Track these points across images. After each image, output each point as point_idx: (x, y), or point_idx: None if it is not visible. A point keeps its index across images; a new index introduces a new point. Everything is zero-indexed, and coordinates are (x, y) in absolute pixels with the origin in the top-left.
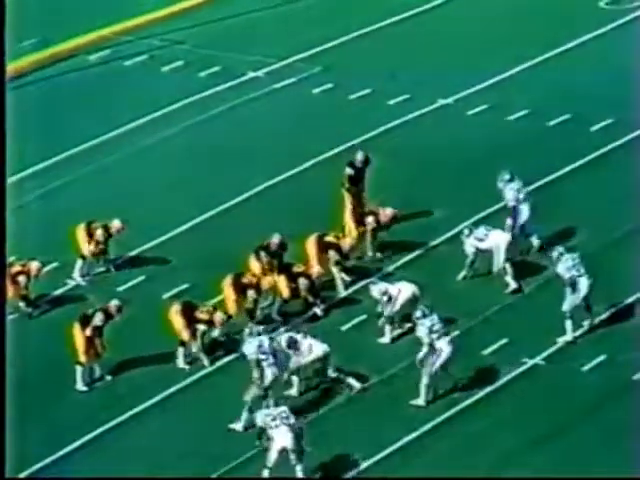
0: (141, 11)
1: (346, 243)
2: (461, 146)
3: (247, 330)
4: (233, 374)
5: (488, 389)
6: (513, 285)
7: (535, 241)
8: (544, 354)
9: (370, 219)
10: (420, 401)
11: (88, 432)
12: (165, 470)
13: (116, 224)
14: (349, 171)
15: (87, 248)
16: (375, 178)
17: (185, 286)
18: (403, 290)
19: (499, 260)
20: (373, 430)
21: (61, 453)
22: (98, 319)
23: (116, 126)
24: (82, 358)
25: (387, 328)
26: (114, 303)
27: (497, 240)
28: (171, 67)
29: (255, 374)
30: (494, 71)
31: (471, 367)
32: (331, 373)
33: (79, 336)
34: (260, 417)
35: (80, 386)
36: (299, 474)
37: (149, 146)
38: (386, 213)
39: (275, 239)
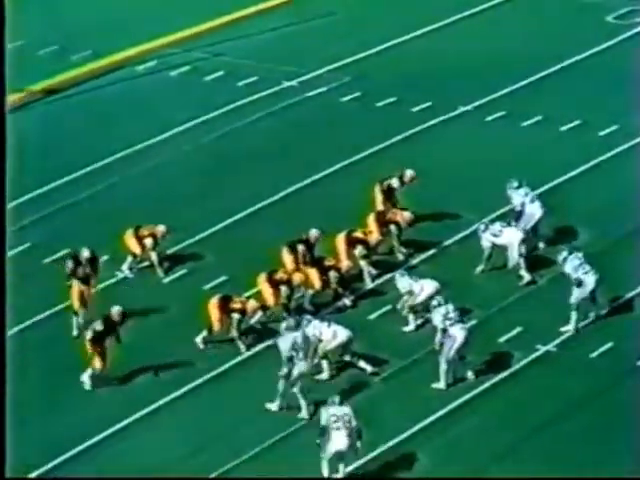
0: (185, 25)
1: (372, 239)
2: (480, 150)
3: (284, 324)
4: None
5: (503, 374)
6: (527, 278)
7: (541, 244)
8: (556, 342)
9: (392, 227)
10: (441, 385)
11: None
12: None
13: (161, 229)
14: (395, 183)
15: (138, 250)
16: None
17: (223, 279)
18: (425, 287)
19: (513, 256)
20: (398, 411)
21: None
22: (98, 325)
23: (161, 131)
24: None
25: (411, 317)
26: (116, 310)
27: (510, 237)
28: (212, 77)
29: (285, 369)
30: (510, 80)
31: (487, 353)
32: (347, 357)
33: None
34: (324, 416)
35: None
36: (340, 474)
37: (192, 150)
38: (404, 217)
39: (314, 233)
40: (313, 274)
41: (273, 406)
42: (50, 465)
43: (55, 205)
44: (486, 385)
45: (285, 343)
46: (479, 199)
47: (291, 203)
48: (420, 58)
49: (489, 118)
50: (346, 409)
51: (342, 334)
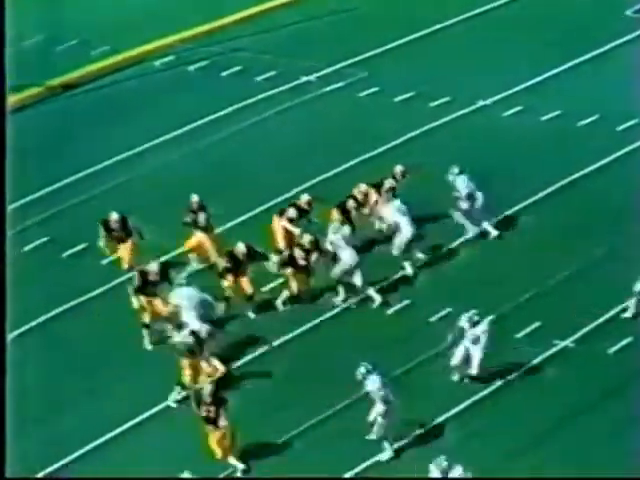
0: (203, 20)
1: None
2: (497, 145)
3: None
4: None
5: (522, 369)
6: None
7: (490, 229)
8: (573, 337)
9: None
10: (473, 371)
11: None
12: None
13: (305, 198)
14: (390, 183)
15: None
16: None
17: None
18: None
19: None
20: (427, 401)
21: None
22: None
23: (179, 126)
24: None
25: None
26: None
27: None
28: (230, 72)
29: (380, 408)
30: (529, 75)
31: (507, 348)
32: (358, 282)
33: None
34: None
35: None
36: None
37: (209, 145)
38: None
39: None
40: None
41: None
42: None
43: (73, 199)
44: (501, 382)
45: (373, 384)
46: (499, 193)
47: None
48: (438, 53)
49: (506, 113)
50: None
51: (354, 257)
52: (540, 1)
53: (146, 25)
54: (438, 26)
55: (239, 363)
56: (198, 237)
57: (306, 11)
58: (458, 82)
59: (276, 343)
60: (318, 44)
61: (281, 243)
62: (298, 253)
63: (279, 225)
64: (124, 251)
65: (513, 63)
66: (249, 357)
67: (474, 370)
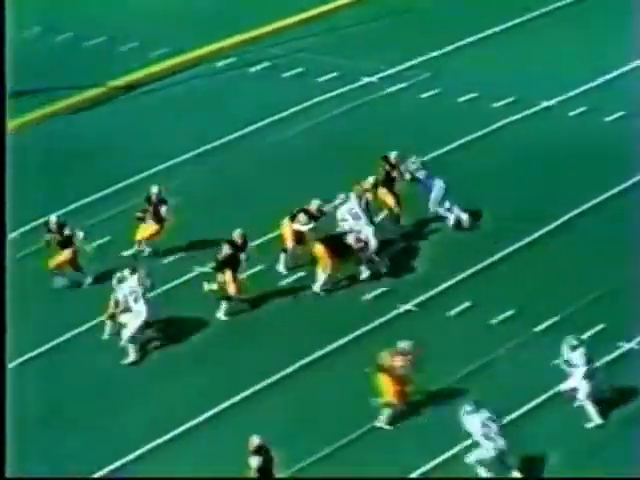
0: (265, 21)
1: None
2: (561, 146)
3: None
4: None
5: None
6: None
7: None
8: (638, 339)
9: None
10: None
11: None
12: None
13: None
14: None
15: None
16: (480, 177)
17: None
18: None
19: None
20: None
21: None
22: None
23: (239, 128)
24: None
25: None
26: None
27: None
28: (291, 74)
29: (488, 446)
30: (593, 75)
31: None
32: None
33: None
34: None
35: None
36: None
37: (270, 147)
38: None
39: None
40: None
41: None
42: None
43: (132, 200)
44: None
45: (474, 424)
46: (561, 194)
47: None
48: (502, 53)
49: (571, 114)
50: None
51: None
52: (603, 1)
53: (207, 27)
54: (502, 27)
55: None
56: (153, 228)
57: (368, 12)
58: (521, 82)
59: (335, 345)
60: (380, 45)
61: (289, 243)
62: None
63: (290, 229)
64: (62, 256)
65: (577, 63)
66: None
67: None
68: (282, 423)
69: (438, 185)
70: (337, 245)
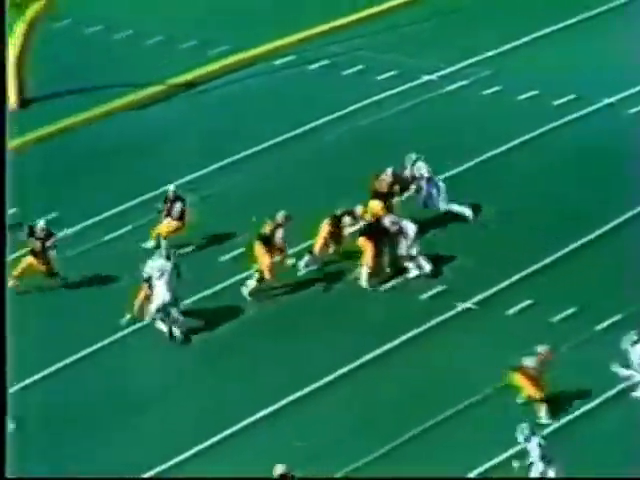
0: (324, 19)
1: None
2: (622, 144)
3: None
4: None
5: None
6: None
7: (467, 211)
8: None
9: None
10: None
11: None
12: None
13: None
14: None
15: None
16: (541, 175)
17: None
18: None
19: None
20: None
21: None
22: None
23: (298, 125)
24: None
25: None
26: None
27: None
28: (351, 71)
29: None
30: None
31: None
32: (412, 252)
33: None
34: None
35: None
36: None
37: (329, 144)
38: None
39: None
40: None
41: None
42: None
43: (193, 198)
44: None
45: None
46: (625, 192)
47: None
48: (563, 50)
49: (632, 111)
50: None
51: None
52: None
53: (266, 25)
54: (564, 23)
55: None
56: (171, 225)
57: (428, 9)
58: (582, 80)
59: (393, 344)
60: (440, 43)
61: (317, 247)
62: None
63: (326, 229)
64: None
65: (638, 60)
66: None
67: None
68: (338, 422)
69: (441, 183)
70: (374, 231)
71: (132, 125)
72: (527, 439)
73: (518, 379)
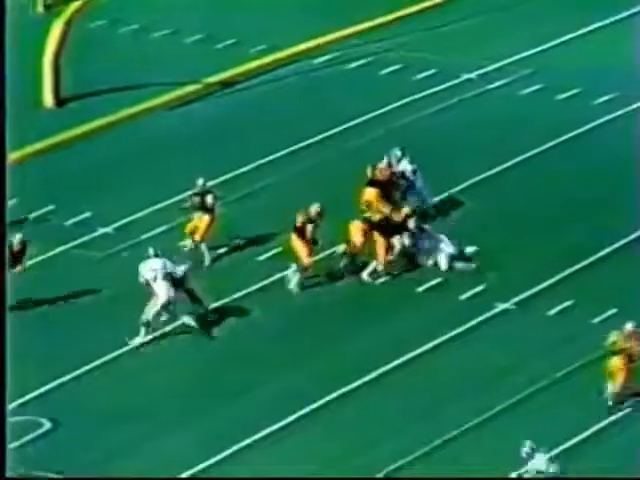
0: (363, 18)
1: None
2: None
3: None
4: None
5: None
6: None
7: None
8: None
9: None
10: None
11: None
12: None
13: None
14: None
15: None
16: (582, 174)
17: None
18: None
19: None
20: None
21: None
22: None
23: (336, 124)
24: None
25: None
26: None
27: None
28: (389, 70)
29: None
30: None
31: None
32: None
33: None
34: None
35: None
36: None
37: (367, 143)
38: None
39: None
40: None
41: None
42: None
43: (227, 197)
44: None
45: None
46: None
47: (462, 198)
48: (604, 49)
49: None
50: None
51: None
52: None
53: (305, 23)
54: (604, 21)
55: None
56: (204, 219)
57: (466, 8)
58: (624, 79)
59: (432, 345)
60: (479, 41)
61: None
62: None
63: (358, 230)
64: None
65: None
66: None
67: None
68: (377, 422)
69: (419, 182)
70: (388, 228)
71: (169, 124)
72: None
73: (616, 363)
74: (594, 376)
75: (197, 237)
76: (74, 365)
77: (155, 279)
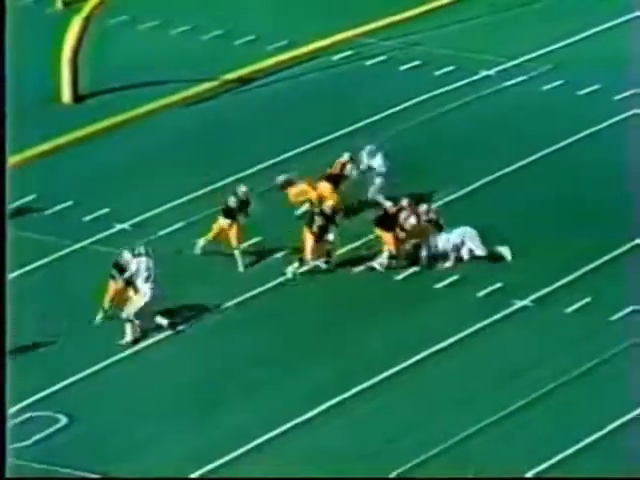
0: (381, 15)
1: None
2: None
3: None
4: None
5: None
6: None
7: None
8: None
9: None
10: None
11: None
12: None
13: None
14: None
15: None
16: (603, 170)
17: None
18: None
19: None
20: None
21: None
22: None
23: (355, 120)
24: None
25: None
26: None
27: None
28: (408, 66)
29: None
30: None
31: None
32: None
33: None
34: None
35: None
36: None
37: (387, 139)
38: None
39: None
40: None
41: None
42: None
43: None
44: None
45: None
46: None
47: (481, 194)
48: (624, 45)
49: None
50: None
51: None
52: None
53: (323, 20)
54: (626, 17)
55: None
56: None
57: (486, 4)
58: None
59: (448, 342)
60: (498, 38)
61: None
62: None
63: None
64: None
65: None
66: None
67: None
68: (392, 420)
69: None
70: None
71: (186, 121)
72: None
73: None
74: (611, 373)
75: (234, 242)
76: (90, 361)
77: (147, 279)
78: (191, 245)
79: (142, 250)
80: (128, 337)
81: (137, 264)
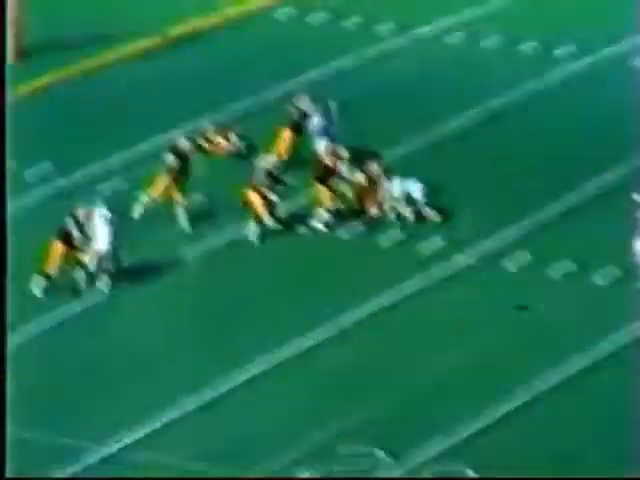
0: None
1: None
2: None
3: None
4: None
5: None
6: None
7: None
8: None
9: None
10: None
11: None
12: None
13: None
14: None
15: None
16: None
17: None
18: None
19: None
20: None
21: None
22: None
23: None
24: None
25: None
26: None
27: None
28: (349, 23)
29: None
30: None
31: None
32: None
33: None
34: None
35: None
36: None
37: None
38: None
39: None
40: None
41: None
42: None
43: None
44: None
45: None
46: None
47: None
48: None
49: None
50: None
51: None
52: None
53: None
54: None
55: None
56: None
57: None
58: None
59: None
60: None
61: None
62: None
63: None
64: None
65: None
66: None
67: None
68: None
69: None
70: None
71: (135, 77)
72: None
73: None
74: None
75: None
76: None
77: (105, 223)
78: (136, 200)
79: (99, 202)
80: (104, 282)
81: (94, 216)
